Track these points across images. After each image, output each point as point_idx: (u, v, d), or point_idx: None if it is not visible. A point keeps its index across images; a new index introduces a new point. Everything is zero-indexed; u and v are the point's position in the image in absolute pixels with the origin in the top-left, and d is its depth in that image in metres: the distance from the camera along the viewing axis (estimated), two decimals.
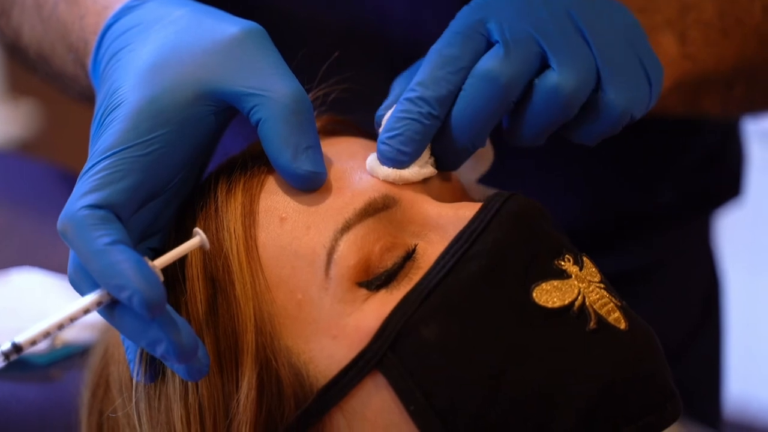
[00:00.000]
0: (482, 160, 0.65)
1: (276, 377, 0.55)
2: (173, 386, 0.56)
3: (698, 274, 0.97)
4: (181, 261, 0.57)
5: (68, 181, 0.95)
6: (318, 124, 0.64)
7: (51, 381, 0.73)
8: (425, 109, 0.57)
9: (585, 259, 0.57)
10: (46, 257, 0.84)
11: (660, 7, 0.70)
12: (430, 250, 0.56)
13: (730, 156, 0.95)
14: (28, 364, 0.71)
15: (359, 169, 0.58)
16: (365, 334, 0.54)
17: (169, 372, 0.56)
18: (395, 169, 0.58)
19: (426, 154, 0.59)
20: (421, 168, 0.58)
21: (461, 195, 0.62)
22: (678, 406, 0.55)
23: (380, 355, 0.53)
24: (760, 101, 0.80)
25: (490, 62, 0.57)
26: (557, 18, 0.58)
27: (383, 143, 0.57)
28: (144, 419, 0.57)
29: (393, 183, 0.58)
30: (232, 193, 0.58)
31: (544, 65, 0.57)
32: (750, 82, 0.77)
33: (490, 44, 0.58)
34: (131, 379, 0.58)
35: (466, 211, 0.57)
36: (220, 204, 0.58)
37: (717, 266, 0.98)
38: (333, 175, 0.58)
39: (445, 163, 0.60)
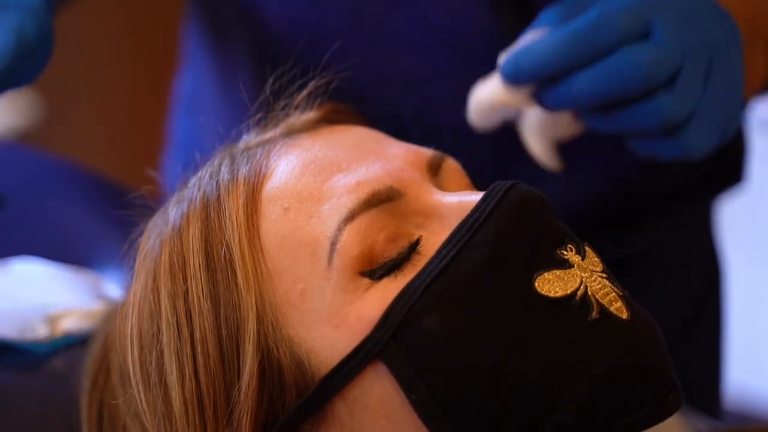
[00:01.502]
0: (567, 126, 0.68)
1: (277, 366, 0.55)
2: (173, 374, 0.56)
3: (699, 263, 0.96)
4: (183, 257, 0.57)
5: (67, 171, 0.95)
6: (321, 113, 0.64)
7: (54, 374, 0.72)
8: (574, 53, 0.62)
9: (587, 248, 0.57)
10: (45, 247, 0.84)
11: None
12: (433, 240, 0.56)
13: (731, 142, 0.94)
14: (27, 353, 0.71)
15: (366, 160, 0.58)
16: (367, 323, 0.54)
17: (168, 360, 0.56)
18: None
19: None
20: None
21: (466, 185, 0.62)
22: (679, 397, 0.55)
23: (382, 344, 0.53)
24: None
25: (645, 55, 0.61)
26: (702, 49, 0.63)
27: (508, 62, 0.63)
28: (144, 407, 0.57)
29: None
30: (235, 181, 0.58)
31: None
32: None
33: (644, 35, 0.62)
34: (131, 368, 0.58)
35: (469, 200, 0.57)
36: (222, 192, 0.58)
37: (718, 256, 0.98)
38: (337, 163, 0.58)
39: (543, 100, 0.64)
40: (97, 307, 0.70)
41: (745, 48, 0.67)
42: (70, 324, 0.69)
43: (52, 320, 0.66)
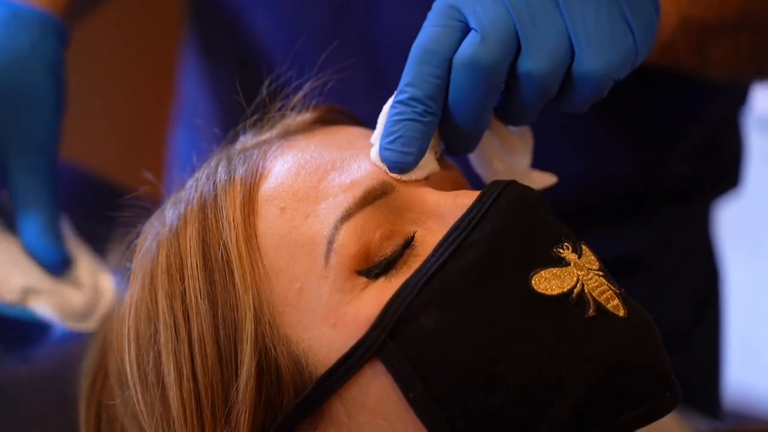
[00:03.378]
0: (523, 144, 0.65)
1: (275, 366, 0.55)
2: (170, 375, 0.56)
3: (698, 264, 0.97)
4: (180, 258, 0.57)
5: (67, 171, 0.95)
6: (316, 114, 0.64)
7: (54, 374, 0.72)
8: (419, 108, 0.57)
9: (584, 246, 0.57)
10: None
11: None
12: (429, 238, 0.56)
13: (728, 143, 0.95)
14: None
15: (358, 157, 0.58)
16: (364, 322, 0.54)
17: (166, 360, 0.56)
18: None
19: (429, 151, 0.59)
20: (425, 166, 0.58)
21: (460, 183, 0.62)
22: (677, 395, 0.55)
23: (379, 342, 0.53)
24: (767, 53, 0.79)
25: (469, 50, 0.57)
26: None
27: (385, 149, 0.57)
28: (142, 408, 0.57)
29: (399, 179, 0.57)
30: (232, 182, 0.59)
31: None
32: (756, 31, 0.76)
33: (467, 31, 0.57)
34: (129, 369, 0.58)
35: (465, 199, 0.57)
36: (219, 193, 0.58)
37: (716, 256, 0.98)
38: (332, 163, 0.58)
39: (458, 149, 0.60)
40: (77, 300, 0.70)
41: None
42: (40, 305, 0.67)
43: (27, 291, 0.65)
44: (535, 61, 0.57)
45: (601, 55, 0.57)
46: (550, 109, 0.61)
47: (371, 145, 0.59)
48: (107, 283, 0.72)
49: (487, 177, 0.64)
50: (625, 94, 0.69)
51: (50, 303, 0.65)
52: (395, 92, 0.58)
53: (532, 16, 0.57)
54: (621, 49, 0.58)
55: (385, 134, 0.57)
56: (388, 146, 0.57)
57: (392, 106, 0.58)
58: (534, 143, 0.65)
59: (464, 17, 0.57)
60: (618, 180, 0.88)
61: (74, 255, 0.73)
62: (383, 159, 0.57)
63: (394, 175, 0.57)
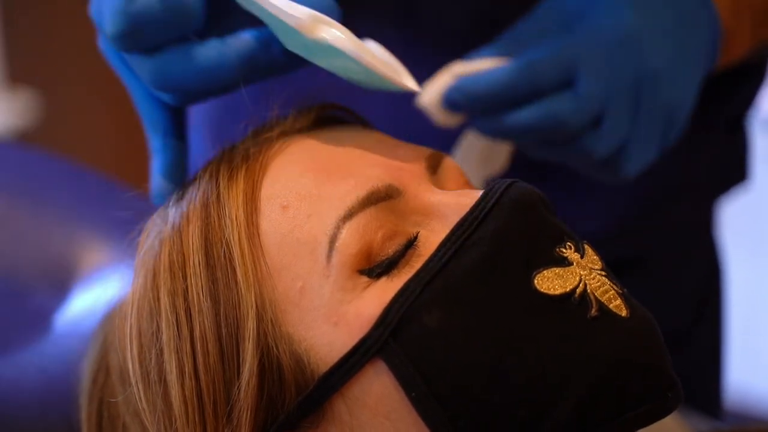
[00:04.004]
0: (496, 161, 0.71)
1: (277, 364, 0.55)
2: (172, 372, 0.56)
3: (700, 263, 0.96)
4: (183, 256, 0.57)
5: (66, 170, 0.95)
6: (320, 113, 0.64)
7: (53, 373, 0.72)
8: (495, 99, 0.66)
9: (586, 246, 0.57)
10: (43, 246, 0.84)
11: None
12: (432, 238, 0.56)
13: (735, 141, 0.94)
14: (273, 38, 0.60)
15: (362, 157, 0.58)
16: (366, 321, 0.54)
17: (168, 358, 0.56)
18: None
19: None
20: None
21: (464, 183, 0.62)
22: (679, 395, 0.55)
23: (381, 341, 0.53)
24: None
25: (563, 104, 0.65)
26: (629, 89, 0.66)
27: (456, 90, 0.67)
28: (144, 405, 0.57)
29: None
30: (234, 180, 0.58)
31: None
32: None
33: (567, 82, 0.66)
34: (131, 366, 0.58)
35: (467, 198, 0.57)
36: (222, 191, 0.58)
37: (719, 255, 0.98)
38: (336, 162, 0.58)
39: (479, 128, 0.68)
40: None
41: (726, 23, 0.71)
42: (331, 33, 0.58)
43: (317, 17, 0.57)
44: (601, 146, 0.66)
45: (640, 164, 0.69)
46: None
47: (377, 146, 0.59)
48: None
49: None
50: None
51: (343, 32, 0.56)
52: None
53: (619, 107, 0.66)
54: (650, 159, 0.70)
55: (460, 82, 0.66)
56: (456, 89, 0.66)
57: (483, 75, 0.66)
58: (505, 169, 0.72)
59: (576, 72, 0.66)
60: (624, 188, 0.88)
61: None
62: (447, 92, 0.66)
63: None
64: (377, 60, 0.59)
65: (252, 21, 0.60)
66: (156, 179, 0.62)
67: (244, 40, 0.59)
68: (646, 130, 0.68)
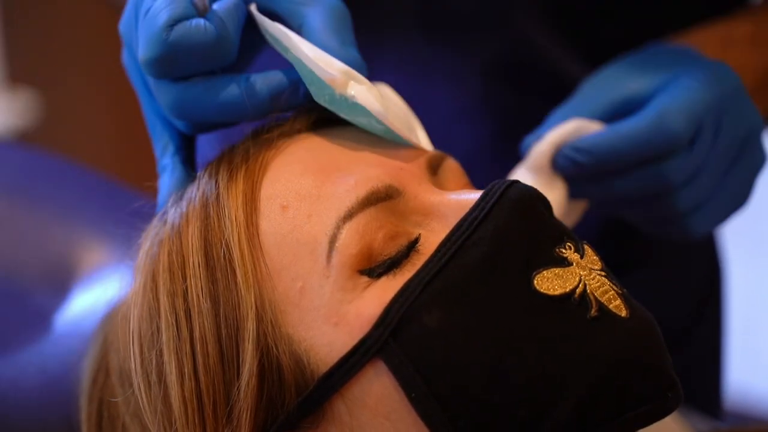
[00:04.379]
0: (569, 217, 0.70)
1: (277, 365, 0.55)
2: (172, 373, 0.56)
3: (700, 264, 0.96)
4: (182, 256, 0.57)
5: (66, 170, 0.95)
6: (320, 113, 0.64)
7: (53, 374, 0.72)
8: (631, 156, 0.64)
9: (586, 246, 0.57)
10: (43, 246, 0.84)
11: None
12: (432, 238, 0.56)
13: None
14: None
15: (363, 157, 0.58)
16: (366, 321, 0.54)
17: (168, 359, 0.56)
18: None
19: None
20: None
21: (465, 184, 0.62)
22: (678, 395, 0.55)
23: (381, 342, 0.53)
24: None
25: (677, 172, 0.65)
26: (729, 147, 0.66)
27: (565, 157, 0.65)
28: (145, 406, 0.57)
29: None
30: (234, 180, 0.58)
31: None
32: None
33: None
34: (131, 366, 0.58)
35: (467, 198, 0.57)
36: (221, 191, 0.58)
37: (719, 255, 0.98)
38: (336, 162, 0.58)
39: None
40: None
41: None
42: (359, 91, 0.59)
43: (349, 73, 0.59)
44: (688, 199, 0.66)
45: (710, 226, 0.68)
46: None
47: (377, 147, 0.59)
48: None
49: None
50: None
51: (372, 92, 0.58)
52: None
53: (715, 170, 0.66)
54: (715, 226, 0.69)
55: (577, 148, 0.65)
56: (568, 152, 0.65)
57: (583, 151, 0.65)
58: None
59: (694, 141, 0.65)
60: None
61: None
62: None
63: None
64: (397, 120, 0.60)
65: (274, 56, 0.61)
66: (164, 197, 0.62)
67: (274, 80, 0.60)
68: (723, 194, 0.67)
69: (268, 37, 0.61)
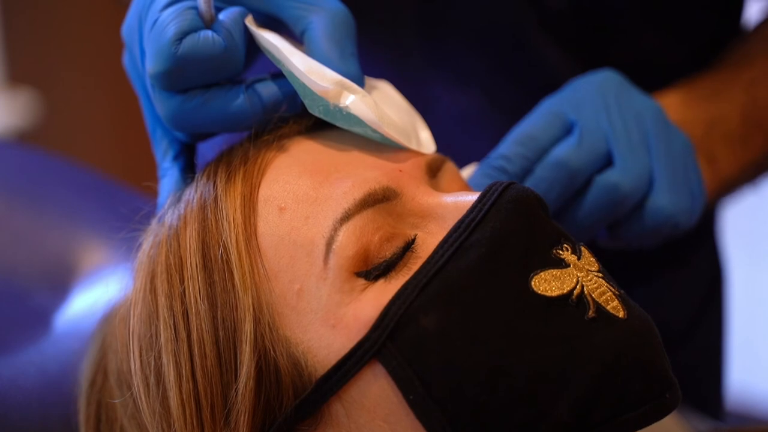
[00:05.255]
0: None
1: (274, 367, 0.55)
2: (170, 375, 0.56)
3: (702, 264, 0.96)
4: (180, 258, 0.57)
5: (66, 170, 0.95)
6: (318, 116, 0.64)
7: (54, 375, 0.72)
8: (504, 178, 0.63)
9: (583, 248, 0.57)
10: (43, 246, 0.84)
11: (689, 127, 0.74)
12: (429, 241, 0.56)
13: None
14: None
15: (360, 159, 0.58)
16: (364, 323, 0.54)
17: (166, 361, 0.56)
18: None
19: None
20: None
21: (463, 186, 0.62)
22: (677, 395, 0.55)
23: (379, 344, 0.53)
24: None
25: (563, 150, 0.64)
26: (628, 126, 0.66)
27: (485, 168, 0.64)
28: (144, 407, 0.57)
29: None
30: (232, 182, 0.58)
31: (607, 164, 0.65)
32: None
33: (566, 132, 0.66)
34: (129, 369, 0.58)
35: (465, 200, 0.57)
36: (219, 193, 0.58)
37: (720, 255, 0.98)
38: (334, 164, 0.58)
39: None
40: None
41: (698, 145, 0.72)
42: (353, 101, 0.59)
43: (342, 84, 0.59)
44: (623, 177, 0.64)
45: (674, 199, 0.66)
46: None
47: (375, 149, 0.59)
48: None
49: None
50: None
51: (365, 102, 0.58)
52: (486, 158, 0.65)
53: (628, 141, 0.65)
54: (686, 202, 0.67)
55: (472, 183, 0.64)
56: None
57: (485, 164, 0.64)
58: None
59: (569, 122, 0.66)
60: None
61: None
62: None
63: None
64: (393, 128, 0.60)
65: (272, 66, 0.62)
66: (164, 201, 0.62)
67: (271, 92, 0.60)
68: (667, 163, 0.66)
69: (263, 49, 0.61)
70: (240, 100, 0.59)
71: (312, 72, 0.58)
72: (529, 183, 0.64)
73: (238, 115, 0.59)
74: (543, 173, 0.64)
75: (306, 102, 0.60)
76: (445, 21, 0.79)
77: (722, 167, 0.76)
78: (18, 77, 2.13)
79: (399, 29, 0.79)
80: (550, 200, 0.63)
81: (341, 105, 0.59)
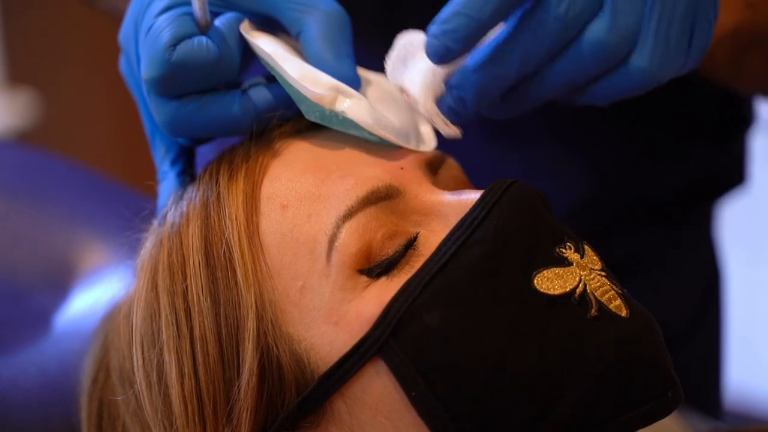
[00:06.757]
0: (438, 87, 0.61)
1: (277, 364, 0.55)
2: (172, 372, 0.56)
3: (699, 264, 0.97)
4: (183, 255, 0.57)
5: (66, 170, 0.95)
6: None
7: (54, 374, 0.72)
8: (487, 12, 0.55)
9: (586, 246, 0.57)
10: (43, 246, 0.84)
11: None
12: (432, 238, 0.56)
13: (733, 143, 0.95)
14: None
15: (362, 157, 0.58)
16: (366, 320, 0.54)
17: (168, 358, 0.56)
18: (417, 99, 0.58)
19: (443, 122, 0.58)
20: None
21: (465, 185, 0.62)
22: (679, 394, 0.55)
23: (381, 341, 0.53)
24: None
25: (600, 31, 0.55)
26: None
27: (434, 37, 0.55)
28: (146, 405, 0.57)
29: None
30: (235, 179, 0.59)
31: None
32: None
33: None
34: (131, 366, 0.58)
35: (468, 198, 0.57)
36: (222, 190, 0.58)
37: (718, 256, 0.98)
38: (336, 162, 0.58)
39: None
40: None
41: None
42: (348, 106, 0.58)
43: (337, 88, 0.58)
44: (608, 30, 0.55)
45: (659, 57, 0.57)
46: (561, 125, 0.61)
47: (378, 147, 0.59)
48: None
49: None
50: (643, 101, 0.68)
51: (361, 105, 0.58)
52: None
53: None
54: (676, 60, 0.58)
55: (441, 20, 0.55)
56: (439, 35, 0.55)
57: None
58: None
59: None
60: (624, 190, 0.88)
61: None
62: (428, 45, 0.56)
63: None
64: (389, 130, 0.59)
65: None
66: (164, 204, 0.62)
67: (266, 98, 0.60)
68: (661, 17, 0.56)
69: (257, 56, 0.62)
70: (235, 106, 0.59)
71: (306, 78, 0.58)
72: (517, 23, 0.56)
73: (234, 120, 0.59)
74: (532, 20, 0.56)
75: (302, 108, 0.60)
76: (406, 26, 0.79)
77: (758, 1, 0.70)
78: (18, 77, 2.13)
79: (363, 30, 0.78)
80: (539, 43, 0.56)
81: (337, 110, 0.59)
